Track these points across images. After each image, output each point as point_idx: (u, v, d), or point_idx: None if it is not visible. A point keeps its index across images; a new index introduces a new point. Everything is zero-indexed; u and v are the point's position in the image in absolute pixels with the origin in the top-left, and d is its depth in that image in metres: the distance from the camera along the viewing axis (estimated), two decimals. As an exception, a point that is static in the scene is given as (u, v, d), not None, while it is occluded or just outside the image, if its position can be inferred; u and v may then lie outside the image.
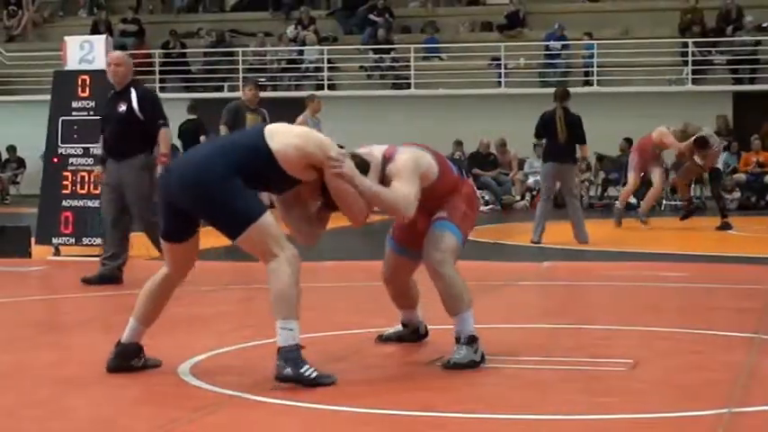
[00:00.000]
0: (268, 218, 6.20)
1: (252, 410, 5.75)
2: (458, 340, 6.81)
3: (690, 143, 17.31)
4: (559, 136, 15.02)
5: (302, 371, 6.07)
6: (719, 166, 18.31)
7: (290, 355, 6.08)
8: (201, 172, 6.19)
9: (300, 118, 19.41)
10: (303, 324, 8.01)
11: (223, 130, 16.82)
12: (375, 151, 6.77)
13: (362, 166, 6.52)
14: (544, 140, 15.49)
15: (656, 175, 18.05)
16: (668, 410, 5.66)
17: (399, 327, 7.53)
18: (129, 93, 10.94)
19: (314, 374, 6.10)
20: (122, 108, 10.88)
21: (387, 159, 6.73)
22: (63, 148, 13.53)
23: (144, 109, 10.86)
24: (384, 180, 6.64)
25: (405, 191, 6.56)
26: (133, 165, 10.84)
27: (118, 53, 11.57)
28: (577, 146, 15.42)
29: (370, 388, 6.29)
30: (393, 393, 6.17)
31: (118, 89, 11.03)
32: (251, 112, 16.81)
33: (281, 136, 6.32)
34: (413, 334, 7.50)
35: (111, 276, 11.01)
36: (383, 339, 7.53)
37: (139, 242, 13.83)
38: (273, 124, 6.47)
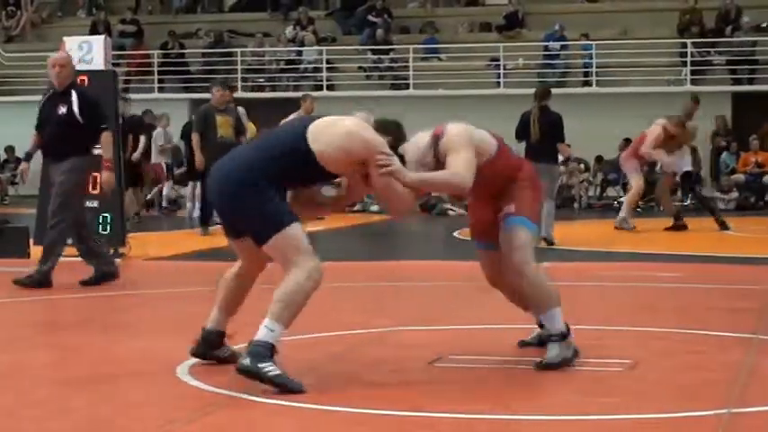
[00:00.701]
0: (296, 228, 6.14)
1: (250, 411, 5.74)
2: (548, 338, 6.73)
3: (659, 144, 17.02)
4: (532, 136, 14.89)
5: (261, 365, 5.94)
6: (687, 168, 17.91)
7: (258, 349, 5.98)
8: (235, 176, 6.18)
9: (293, 116, 19.36)
10: (302, 324, 8.01)
11: (195, 137, 16.66)
12: (419, 139, 6.63)
13: (398, 132, 6.48)
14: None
15: (633, 179, 17.74)
16: (668, 411, 5.66)
17: (538, 329, 7.17)
18: (70, 95, 10.86)
19: (274, 373, 5.95)
20: (62, 110, 10.80)
21: (437, 137, 6.58)
22: (62, 149, 13.50)
23: (84, 112, 10.80)
24: (438, 158, 6.51)
25: (455, 164, 6.39)
26: (68, 166, 10.78)
27: (61, 54, 11.44)
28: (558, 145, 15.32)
29: (367, 389, 6.27)
30: (389, 394, 6.16)
31: (59, 90, 10.95)
32: (220, 114, 16.64)
33: (326, 136, 6.19)
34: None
35: (40, 281, 10.89)
36: (524, 344, 7.24)
37: (137, 242, 13.87)
38: (317, 121, 6.32)
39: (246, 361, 5.98)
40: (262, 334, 6.03)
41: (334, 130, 6.22)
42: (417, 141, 6.62)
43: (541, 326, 7.11)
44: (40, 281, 10.77)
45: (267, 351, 5.99)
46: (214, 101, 16.81)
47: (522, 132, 15.19)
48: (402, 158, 6.41)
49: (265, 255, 6.39)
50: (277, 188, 6.17)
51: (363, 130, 6.28)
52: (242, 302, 6.71)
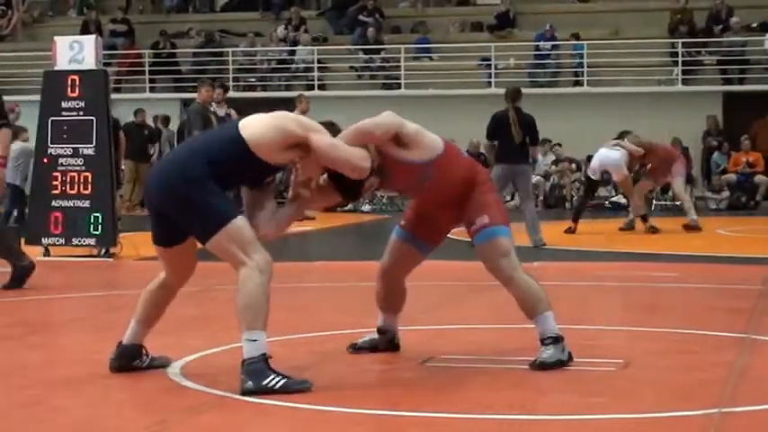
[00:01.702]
0: (240, 221, 6.08)
1: (242, 411, 5.73)
2: (542, 341, 6.70)
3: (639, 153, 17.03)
4: (515, 137, 14.72)
5: (265, 383, 5.89)
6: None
7: (253, 367, 5.92)
8: (173, 175, 6.10)
9: (291, 117, 19.39)
10: (292, 324, 8.01)
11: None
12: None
13: (332, 130, 6.37)
14: (496, 142, 15.13)
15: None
16: (659, 410, 5.65)
17: (374, 335, 7.24)
18: None
19: (279, 384, 5.91)
20: None
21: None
22: (53, 149, 13.53)
23: None
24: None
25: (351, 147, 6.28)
26: None
27: None
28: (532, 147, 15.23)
29: (360, 388, 6.27)
30: (382, 394, 6.16)
31: None
32: (210, 113, 16.80)
33: (257, 122, 6.20)
34: (389, 343, 7.18)
35: None
36: (356, 349, 7.18)
37: (128, 242, 13.84)
38: (248, 117, 6.35)
39: (249, 384, 5.90)
40: (247, 350, 5.96)
41: (264, 117, 6.25)
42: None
43: (382, 332, 7.14)
44: None
45: (262, 364, 5.94)
46: (201, 99, 16.79)
47: (495, 133, 15.04)
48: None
49: (192, 264, 6.45)
50: (218, 183, 6.07)
51: (292, 115, 6.37)
52: (161, 315, 6.63)
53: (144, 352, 6.62)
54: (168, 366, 6.65)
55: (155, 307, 6.59)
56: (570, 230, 16.91)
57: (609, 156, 17.08)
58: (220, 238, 6.03)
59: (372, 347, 7.17)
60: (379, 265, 7.11)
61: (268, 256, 6.10)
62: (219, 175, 6.07)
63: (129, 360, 6.57)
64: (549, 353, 6.63)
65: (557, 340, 6.68)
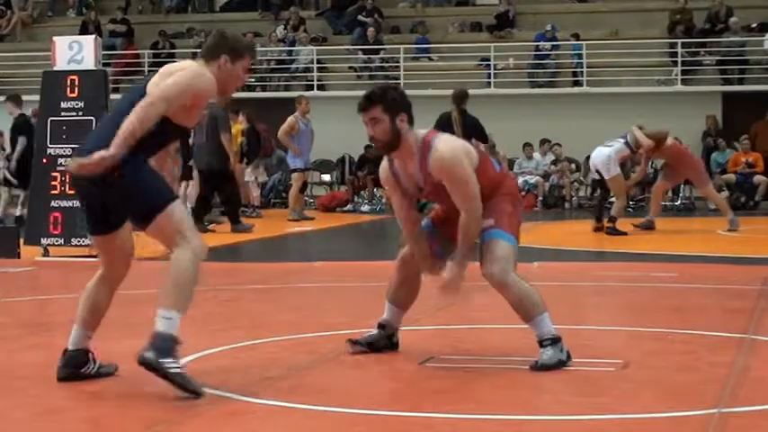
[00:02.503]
0: (178, 205, 6.05)
1: (240, 411, 5.73)
2: (541, 343, 6.70)
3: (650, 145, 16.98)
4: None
5: (163, 360, 5.81)
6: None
7: (161, 343, 5.83)
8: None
9: (291, 119, 19.52)
10: (294, 324, 8.00)
11: (227, 137, 17.47)
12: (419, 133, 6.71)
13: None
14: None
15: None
16: (658, 411, 5.67)
17: (373, 331, 7.21)
18: None
19: (176, 371, 5.82)
20: None
21: (426, 145, 6.62)
22: (52, 149, 13.53)
23: None
24: (426, 169, 6.57)
25: (469, 199, 6.57)
26: None
27: None
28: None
29: (359, 388, 6.27)
30: (382, 394, 6.18)
31: None
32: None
33: (164, 78, 6.02)
34: (388, 339, 7.16)
35: None
36: (354, 343, 7.15)
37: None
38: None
39: (150, 354, 5.82)
40: (161, 325, 5.88)
41: (172, 71, 6.10)
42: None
43: (383, 327, 7.14)
44: None
45: (171, 344, 5.85)
46: (221, 102, 16.96)
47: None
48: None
49: (126, 257, 6.34)
50: (143, 160, 5.99)
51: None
52: (105, 313, 6.44)
53: (91, 357, 6.44)
54: (114, 373, 6.50)
55: (98, 306, 6.38)
56: (599, 229, 16.97)
57: (599, 154, 17.08)
58: (160, 221, 5.96)
59: (370, 344, 7.14)
60: (400, 254, 7.09)
61: (204, 242, 6.09)
62: (137, 145, 5.92)
63: (77, 368, 6.37)
64: (548, 354, 6.64)
65: (555, 341, 6.68)
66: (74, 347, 6.37)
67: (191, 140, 21.49)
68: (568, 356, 6.70)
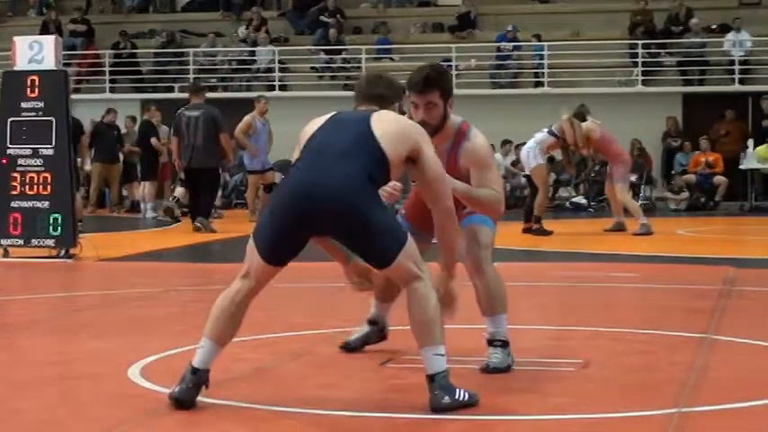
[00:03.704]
0: (411, 238, 5.82)
1: (202, 412, 5.72)
2: (491, 343, 6.69)
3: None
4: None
5: (457, 396, 5.68)
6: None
7: (445, 382, 5.67)
8: (354, 190, 5.65)
9: (247, 118, 19.52)
10: (258, 324, 7.96)
11: (226, 138, 17.99)
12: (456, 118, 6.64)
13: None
14: None
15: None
16: (619, 410, 5.70)
17: (364, 328, 7.29)
18: None
19: (466, 396, 5.71)
20: None
21: (462, 134, 6.60)
22: (12, 149, 13.50)
23: None
24: (457, 157, 6.53)
25: (492, 184, 6.48)
26: None
27: None
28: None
29: (322, 389, 6.28)
30: (345, 395, 6.18)
31: None
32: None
33: (383, 123, 5.85)
34: (380, 332, 7.27)
35: None
36: (351, 348, 7.22)
37: (89, 243, 13.80)
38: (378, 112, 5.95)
39: (447, 400, 5.62)
40: (438, 364, 5.68)
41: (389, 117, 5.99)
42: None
43: (373, 322, 7.20)
44: None
45: (448, 378, 5.72)
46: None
47: None
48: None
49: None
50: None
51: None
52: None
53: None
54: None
55: (235, 323, 5.95)
56: (528, 231, 16.92)
57: (524, 148, 17.08)
58: (401, 260, 5.72)
59: (364, 343, 7.21)
60: None
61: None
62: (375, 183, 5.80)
63: (199, 389, 5.80)
64: (499, 358, 6.65)
65: (506, 344, 6.70)
66: (203, 367, 5.84)
67: (153, 141, 21.57)
68: (512, 361, 6.70)
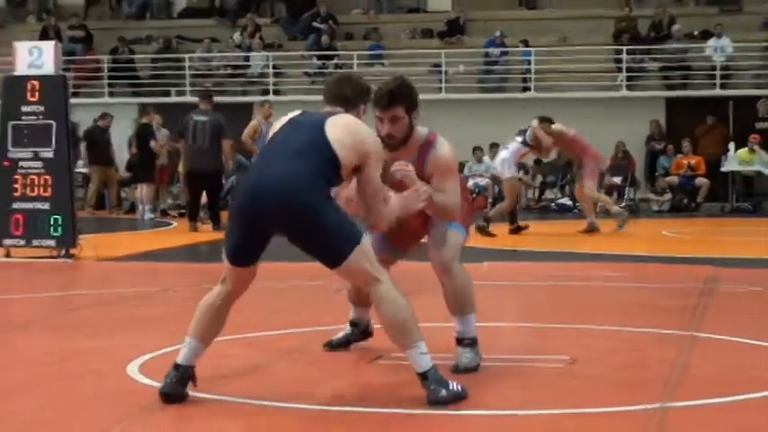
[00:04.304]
0: (366, 238, 5.83)
1: (196, 407, 5.74)
2: (460, 342, 6.69)
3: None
4: None
5: (452, 388, 5.74)
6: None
7: (438, 376, 5.74)
8: (303, 189, 5.66)
9: (254, 123, 19.84)
10: (250, 323, 7.96)
11: (228, 144, 18.41)
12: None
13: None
14: None
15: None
16: (603, 406, 5.78)
17: (347, 329, 7.36)
18: None
19: (459, 387, 5.78)
20: None
21: (429, 143, 6.62)
22: (13, 152, 13.68)
23: None
24: (424, 162, 6.54)
25: (451, 193, 6.50)
26: None
27: None
28: None
29: (313, 385, 6.33)
30: (336, 391, 6.23)
31: None
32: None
33: (337, 128, 5.88)
34: (362, 333, 7.33)
35: None
36: (333, 346, 7.31)
37: (88, 243, 13.98)
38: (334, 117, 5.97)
39: (443, 393, 5.70)
40: (425, 362, 5.76)
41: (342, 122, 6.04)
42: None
43: (354, 324, 7.29)
44: None
45: (438, 372, 5.80)
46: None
47: None
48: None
49: (254, 274, 5.99)
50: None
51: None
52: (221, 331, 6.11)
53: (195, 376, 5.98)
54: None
55: (218, 323, 6.00)
56: (513, 231, 17.17)
57: (499, 157, 17.28)
58: (354, 258, 5.71)
59: (347, 343, 7.34)
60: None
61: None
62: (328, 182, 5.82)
63: (185, 386, 5.89)
64: (469, 357, 6.65)
65: (474, 342, 6.70)
66: (186, 363, 5.91)
67: (152, 144, 21.77)
68: (481, 359, 6.72)
